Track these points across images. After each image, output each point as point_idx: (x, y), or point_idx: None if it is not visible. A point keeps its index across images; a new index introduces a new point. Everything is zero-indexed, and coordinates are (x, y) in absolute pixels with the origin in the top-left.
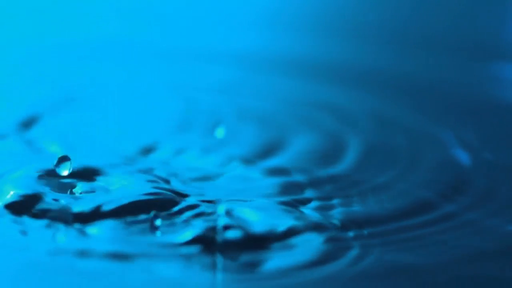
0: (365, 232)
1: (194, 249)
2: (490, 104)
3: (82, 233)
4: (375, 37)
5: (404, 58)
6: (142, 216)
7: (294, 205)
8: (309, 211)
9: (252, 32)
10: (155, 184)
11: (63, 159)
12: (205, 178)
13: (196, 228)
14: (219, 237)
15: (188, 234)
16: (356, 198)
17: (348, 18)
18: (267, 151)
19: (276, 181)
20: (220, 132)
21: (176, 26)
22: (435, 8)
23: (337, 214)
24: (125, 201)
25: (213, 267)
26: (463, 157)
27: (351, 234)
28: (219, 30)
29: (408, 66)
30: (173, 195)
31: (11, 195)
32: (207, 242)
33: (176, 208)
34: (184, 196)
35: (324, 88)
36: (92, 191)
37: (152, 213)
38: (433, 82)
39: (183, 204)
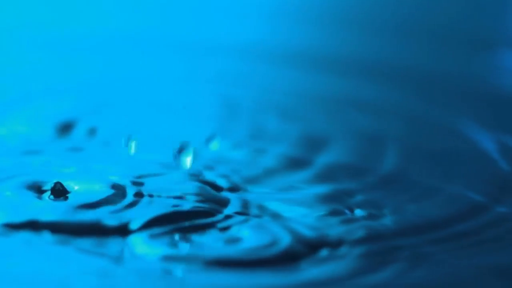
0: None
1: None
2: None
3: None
4: (380, 31)
5: (409, 52)
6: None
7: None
8: (360, 215)
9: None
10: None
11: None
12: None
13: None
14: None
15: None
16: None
17: (354, 11)
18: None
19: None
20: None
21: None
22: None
23: (390, 218)
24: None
25: None
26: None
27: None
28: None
29: (413, 59)
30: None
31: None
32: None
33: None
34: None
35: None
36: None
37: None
38: (444, 74)
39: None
